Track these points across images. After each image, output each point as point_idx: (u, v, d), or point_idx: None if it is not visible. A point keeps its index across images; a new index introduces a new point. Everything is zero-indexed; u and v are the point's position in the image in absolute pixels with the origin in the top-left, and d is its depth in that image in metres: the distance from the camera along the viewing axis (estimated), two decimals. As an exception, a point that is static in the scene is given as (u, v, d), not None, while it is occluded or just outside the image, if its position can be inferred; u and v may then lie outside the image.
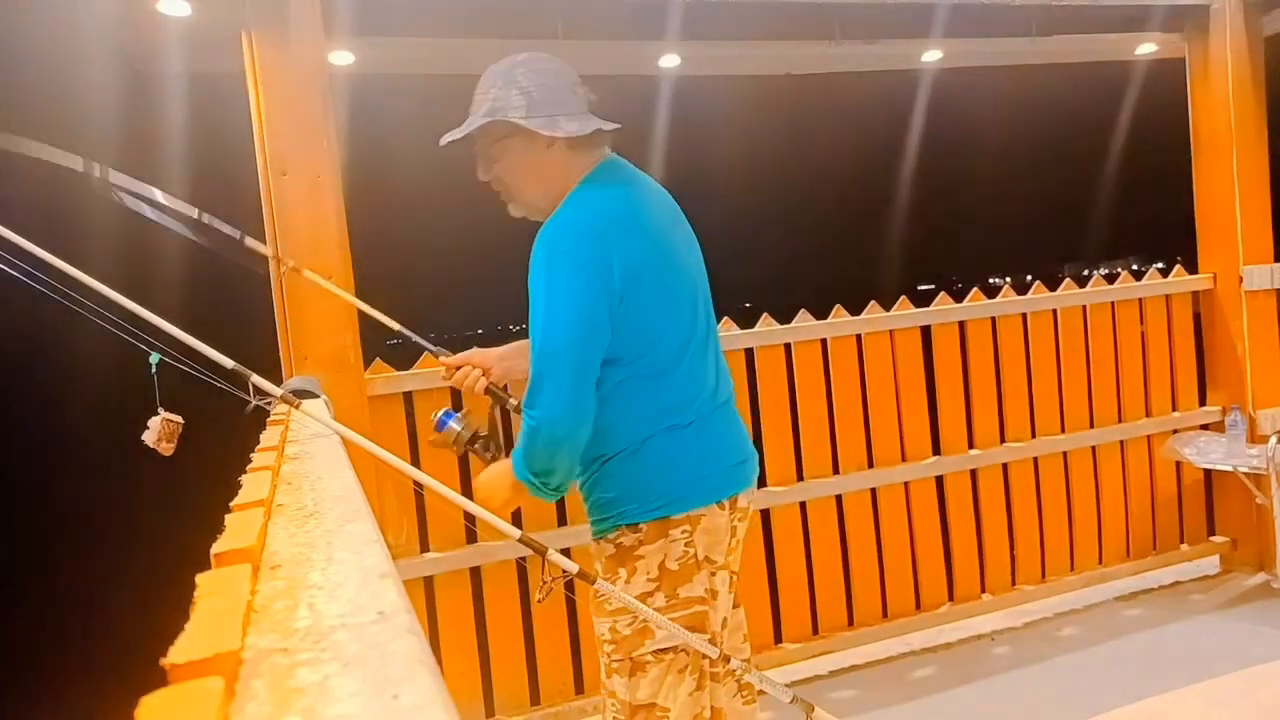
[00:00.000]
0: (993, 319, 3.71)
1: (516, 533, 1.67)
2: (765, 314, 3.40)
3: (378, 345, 2.95)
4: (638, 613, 1.71)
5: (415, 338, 2.52)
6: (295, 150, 2.65)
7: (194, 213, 2.15)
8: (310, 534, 0.83)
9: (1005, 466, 3.74)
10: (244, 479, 1.08)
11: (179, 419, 1.44)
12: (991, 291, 3.85)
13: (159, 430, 1.39)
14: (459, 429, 2.05)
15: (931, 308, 3.64)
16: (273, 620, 0.60)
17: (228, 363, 1.44)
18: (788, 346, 3.40)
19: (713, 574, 1.79)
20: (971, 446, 3.68)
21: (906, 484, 3.57)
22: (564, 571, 1.72)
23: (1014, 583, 3.75)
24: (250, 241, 2.72)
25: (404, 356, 2.94)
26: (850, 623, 3.49)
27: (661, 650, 1.75)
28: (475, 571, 3.00)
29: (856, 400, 3.49)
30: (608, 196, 1.75)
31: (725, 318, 3.35)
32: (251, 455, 1.27)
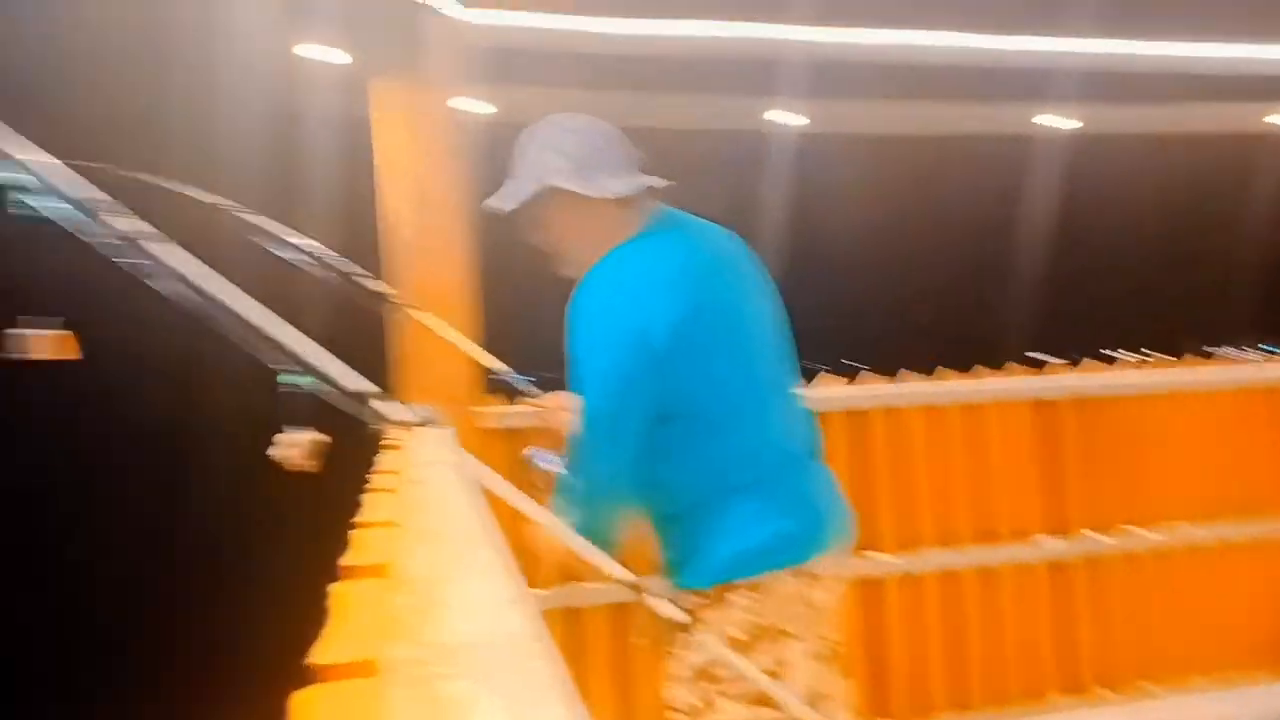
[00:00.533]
0: (1120, 395, 3.51)
1: (623, 575, 1.64)
2: (866, 371, 3.32)
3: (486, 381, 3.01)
4: (736, 669, 1.65)
5: (509, 375, 2.57)
6: (416, 194, 2.76)
7: (315, 247, 2.26)
8: (436, 555, 0.84)
9: (1128, 555, 3.50)
10: (365, 498, 1.10)
11: (323, 436, 1.49)
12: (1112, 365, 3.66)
13: (306, 446, 1.45)
14: (544, 467, 2.05)
15: (1049, 377, 3.48)
16: (410, 634, 0.60)
17: (356, 385, 1.48)
18: (892, 409, 3.30)
19: (785, 644, 1.69)
20: (1090, 530, 3.46)
21: (1018, 564, 3.38)
22: (667, 619, 1.68)
23: (1134, 680, 3.48)
24: (369, 281, 2.83)
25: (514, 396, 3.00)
26: (954, 706, 3.29)
27: None
28: (572, 612, 2.98)
29: (966, 470, 3.35)
30: (650, 253, 1.71)
31: (826, 372, 3.29)
32: (369, 476, 1.31)
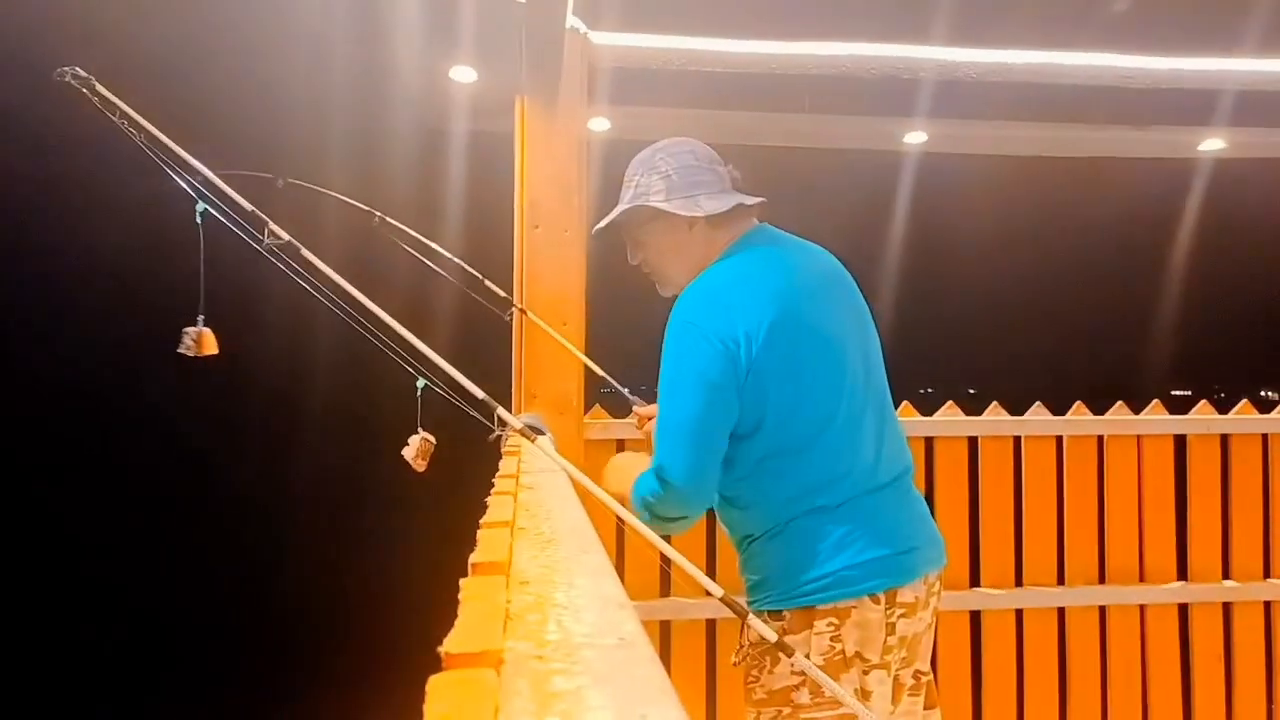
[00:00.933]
0: (1264, 435, 3.29)
1: (719, 591, 1.66)
2: (994, 403, 3.22)
3: (597, 391, 3.10)
4: (825, 686, 1.63)
5: (618, 386, 2.63)
6: (549, 205, 2.88)
7: (445, 253, 2.41)
8: (551, 557, 0.89)
9: (1268, 605, 3.26)
10: (489, 501, 1.17)
11: (433, 439, 1.59)
12: (1265, 406, 3.42)
13: (417, 448, 1.54)
14: (624, 464, 2.09)
15: (1189, 416, 3.29)
16: (527, 629, 0.65)
17: (479, 393, 1.57)
18: (1017, 439, 3.19)
19: (865, 673, 1.64)
20: (1227, 577, 3.25)
21: (1143, 607, 3.20)
22: (762, 639, 1.69)
23: (1269, 743, 3.23)
24: (490, 284, 2.96)
25: (622, 405, 3.07)
26: (1062, 753, 3.15)
27: None
28: (665, 625, 3.02)
29: (1092, 506, 3.20)
30: (742, 267, 1.73)
31: (950, 402, 3.21)
32: (493, 480, 1.38)
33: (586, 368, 2.87)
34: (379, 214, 2.39)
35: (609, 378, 2.65)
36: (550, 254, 2.88)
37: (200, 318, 1.51)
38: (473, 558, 0.83)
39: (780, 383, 1.64)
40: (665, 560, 1.68)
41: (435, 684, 0.50)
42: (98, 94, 1.58)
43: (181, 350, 1.51)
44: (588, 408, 3.01)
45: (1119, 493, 3.22)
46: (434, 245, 2.46)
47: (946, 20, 3.08)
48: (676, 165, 1.79)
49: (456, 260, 2.49)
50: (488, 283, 2.59)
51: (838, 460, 1.67)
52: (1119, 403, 3.28)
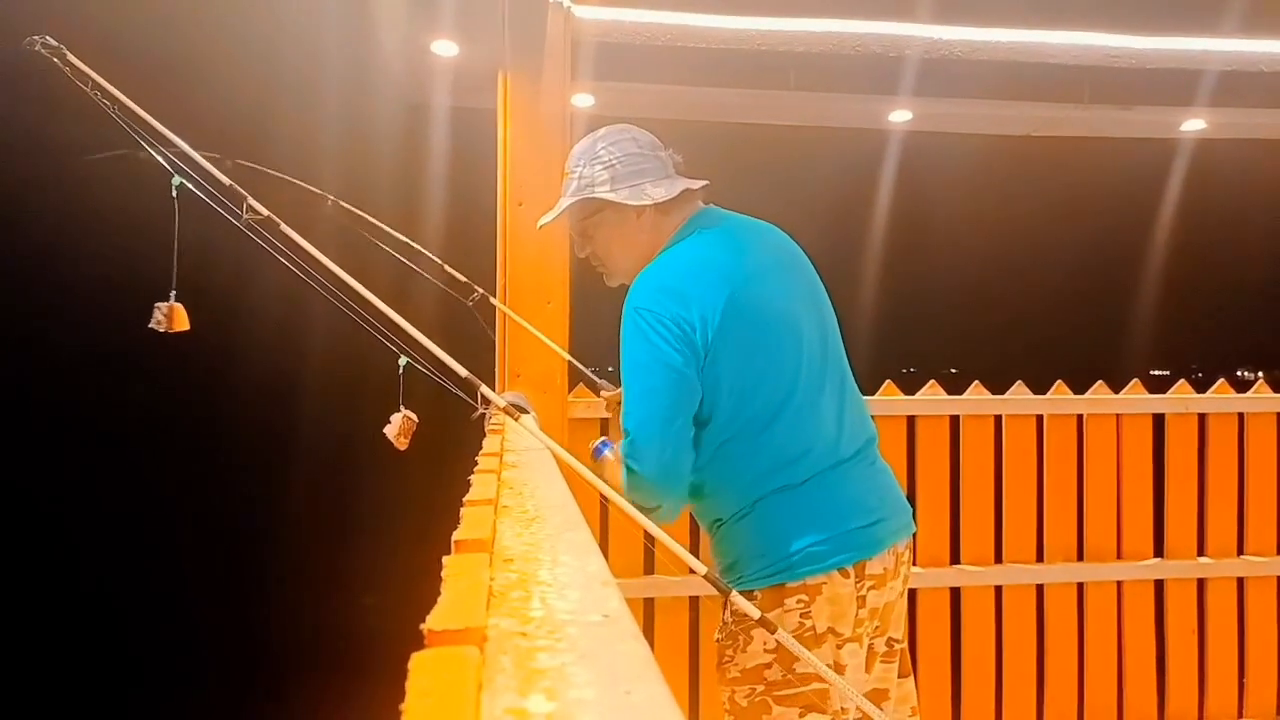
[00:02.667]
0: (1240, 415, 3.33)
1: (702, 569, 1.67)
2: (976, 382, 3.24)
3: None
4: (790, 671, 1.64)
5: (581, 368, 2.62)
6: (534, 183, 2.85)
7: (401, 238, 2.35)
8: (535, 535, 0.89)
9: (1241, 581, 3.32)
10: (473, 478, 1.17)
11: (415, 417, 1.57)
12: (1242, 386, 3.46)
13: (399, 426, 1.53)
14: (613, 459, 2.09)
15: (1167, 395, 3.32)
16: (510, 607, 0.65)
17: (462, 371, 1.56)
18: (998, 418, 3.22)
19: (838, 647, 1.66)
20: (1202, 554, 3.30)
21: (1120, 583, 3.25)
22: (743, 616, 1.70)
23: (1240, 714, 3.30)
24: (449, 269, 2.92)
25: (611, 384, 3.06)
26: (1039, 726, 3.21)
27: None
28: (649, 603, 3.04)
29: (1071, 485, 3.24)
30: (693, 251, 1.71)
31: (932, 381, 3.23)
32: (477, 459, 1.37)
33: (571, 347, 2.86)
34: (331, 198, 2.33)
35: (575, 361, 2.65)
36: (534, 231, 2.85)
37: (173, 293, 1.49)
38: (456, 535, 0.83)
39: (737, 365, 1.64)
40: (649, 538, 1.68)
41: (418, 661, 0.50)
42: (69, 64, 1.54)
43: (152, 325, 1.48)
44: (571, 386, 3.00)
45: (1098, 471, 3.25)
46: (389, 229, 2.41)
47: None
48: (619, 154, 1.76)
49: (415, 245, 2.45)
50: (447, 268, 2.54)
51: (799, 437, 1.67)
52: (1099, 382, 3.31)
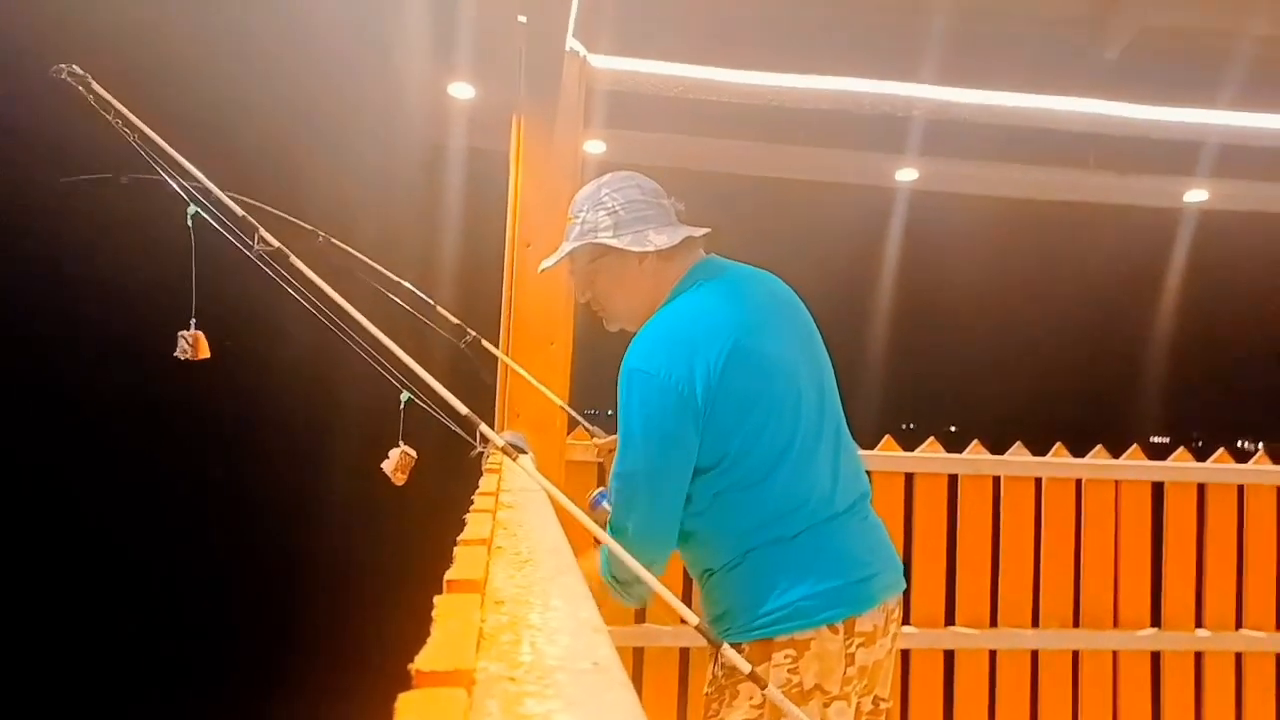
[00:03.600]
0: (1240, 486, 3.32)
1: (695, 619, 1.65)
2: (975, 441, 3.23)
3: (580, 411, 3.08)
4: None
5: (575, 415, 2.62)
6: (542, 225, 2.88)
7: (392, 277, 2.36)
8: (528, 578, 0.88)
9: (1239, 656, 3.27)
10: (468, 518, 1.16)
11: (414, 453, 1.57)
12: (1242, 457, 3.45)
13: (397, 461, 1.53)
14: (608, 509, 2.08)
15: (1167, 463, 3.31)
16: (499, 650, 0.64)
17: (462, 409, 1.56)
18: (996, 480, 3.20)
19: (825, 705, 1.62)
20: (1200, 626, 3.26)
21: (1116, 653, 3.21)
22: (732, 670, 1.67)
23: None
24: (441, 310, 2.92)
25: (605, 425, 3.06)
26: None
27: None
28: (638, 652, 3.00)
29: (1069, 549, 3.21)
30: (693, 305, 1.71)
31: (931, 439, 3.22)
32: (473, 497, 1.37)
33: (572, 387, 2.87)
34: (323, 234, 2.34)
35: (568, 408, 2.65)
36: (539, 272, 2.88)
37: (193, 321, 1.50)
38: (448, 575, 0.82)
39: (736, 418, 1.63)
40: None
41: (405, 701, 0.49)
42: (93, 92, 1.57)
43: (177, 354, 1.49)
44: (571, 428, 2.99)
45: (1096, 537, 3.23)
46: (380, 267, 2.41)
47: (940, 59, 3.13)
48: (623, 200, 1.77)
49: (407, 285, 2.45)
50: (439, 309, 2.55)
51: (794, 490, 1.66)
52: (1098, 446, 3.30)
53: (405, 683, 0.56)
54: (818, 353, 1.81)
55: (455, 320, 2.77)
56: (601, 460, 2.18)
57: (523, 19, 2.66)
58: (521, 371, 2.62)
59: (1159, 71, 3.27)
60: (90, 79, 1.52)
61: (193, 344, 1.55)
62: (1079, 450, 3.30)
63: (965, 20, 3.07)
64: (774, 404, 1.67)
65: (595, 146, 3.27)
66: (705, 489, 1.67)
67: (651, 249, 1.74)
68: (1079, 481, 3.24)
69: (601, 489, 2.16)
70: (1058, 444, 3.28)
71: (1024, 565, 3.19)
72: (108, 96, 1.51)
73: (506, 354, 2.89)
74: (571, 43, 2.86)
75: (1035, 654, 3.16)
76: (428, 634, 0.65)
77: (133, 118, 1.51)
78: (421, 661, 0.57)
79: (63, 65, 1.53)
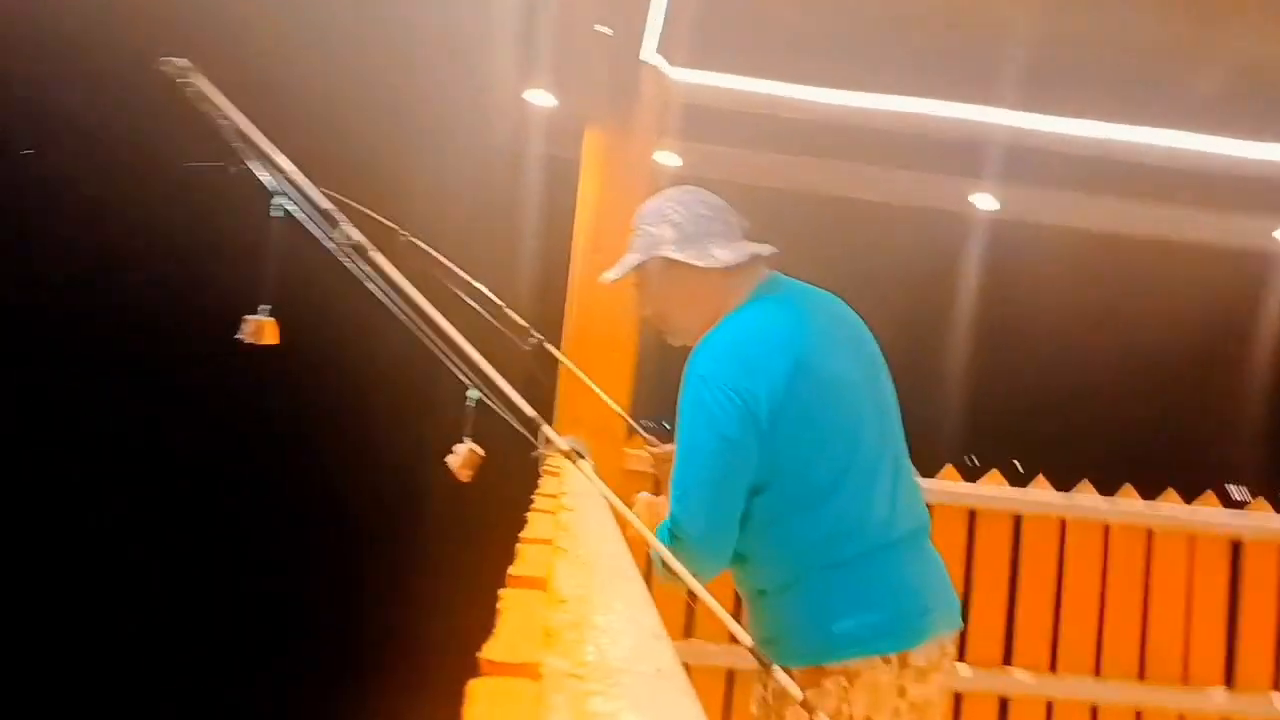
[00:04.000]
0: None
1: (748, 640, 1.63)
2: (1040, 477, 3.13)
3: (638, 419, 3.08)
4: None
5: (632, 423, 2.61)
6: (611, 233, 2.88)
7: (465, 277, 2.37)
8: (590, 580, 0.88)
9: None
10: (529, 517, 1.17)
11: (481, 451, 1.59)
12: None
13: (463, 457, 1.55)
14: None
15: (1245, 514, 3.16)
16: (565, 647, 0.64)
17: (528, 410, 1.57)
18: (1062, 520, 3.10)
19: None
20: (1277, 688, 3.09)
21: (1183, 716, 3.06)
22: (780, 693, 1.64)
23: None
24: (509, 312, 2.94)
25: (664, 437, 3.04)
26: None
27: None
28: (684, 669, 2.96)
29: (1136, 597, 3.08)
30: (758, 320, 1.70)
31: (994, 471, 3.13)
32: (533, 497, 1.38)
33: (633, 395, 2.87)
34: (405, 233, 2.37)
35: (624, 414, 2.64)
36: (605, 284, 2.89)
37: (263, 307, 1.54)
38: (512, 570, 0.82)
39: (796, 437, 1.61)
40: (692, 598, 1.65)
41: (476, 687, 0.49)
42: (194, 86, 1.63)
43: (240, 337, 1.53)
44: (629, 436, 2.99)
45: (1165, 586, 3.09)
46: (454, 267, 2.42)
47: (1020, 84, 3.05)
48: (688, 214, 1.76)
49: (477, 285, 2.47)
50: (506, 309, 2.56)
51: (851, 515, 1.64)
52: (1169, 490, 3.17)
53: (462, 670, 0.56)
54: (880, 377, 1.78)
55: (522, 323, 2.80)
56: (656, 470, 2.17)
57: (605, 30, 2.68)
58: (583, 376, 2.64)
59: (1256, 106, 3.15)
60: (193, 71, 1.59)
61: (257, 329, 1.58)
62: (1150, 490, 3.17)
63: (1048, 46, 2.99)
64: (834, 425, 1.65)
65: (669, 158, 3.28)
66: (761, 508, 1.64)
67: (715, 265, 1.73)
68: (1150, 530, 3.11)
69: (648, 492, 2.16)
70: (1126, 485, 3.16)
71: (1087, 611, 3.07)
72: (210, 90, 1.57)
73: (569, 359, 2.91)
74: (651, 55, 2.88)
75: (1095, 709, 3.03)
76: (485, 625, 0.65)
77: (233, 112, 1.57)
78: (490, 651, 0.57)
79: (168, 58, 1.59)
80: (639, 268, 1.82)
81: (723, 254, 1.73)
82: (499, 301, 2.56)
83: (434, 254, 2.40)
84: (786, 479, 1.62)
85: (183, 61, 1.59)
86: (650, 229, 1.79)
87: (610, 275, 1.86)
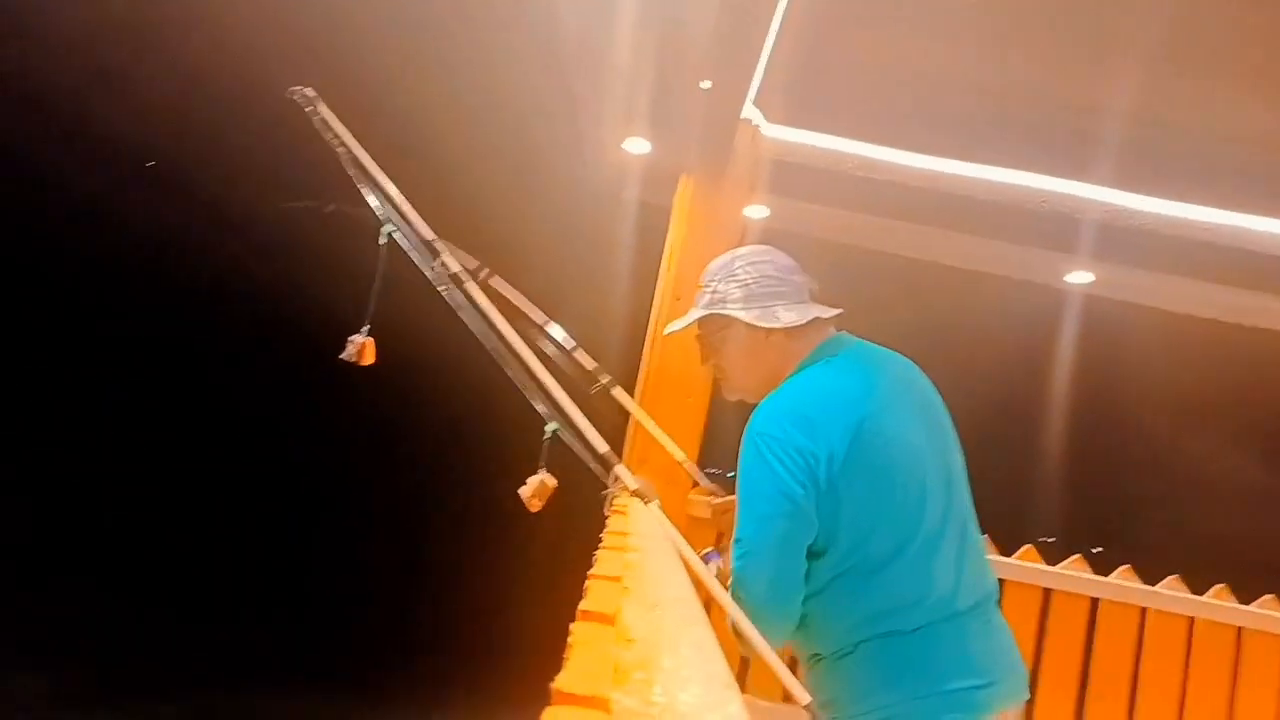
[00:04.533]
0: None
1: (806, 698, 1.60)
2: (1125, 567, 2.99)
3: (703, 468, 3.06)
4: None
5: (695, 471, 2.60)
6: (692, 280, 2.90)
7: (539, 318, 2.40)
8: (658, 621, 0.89)
9: None
10: (599, 554, 1.18)
11: (554, 482, 1.62)
12: None
13: (534, 488, 1.58)
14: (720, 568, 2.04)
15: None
16: (633, 685, 0.65)
17: (602, 446, 1.60)
18: (1143, 611, 2.95)
19: None
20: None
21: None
22: None
23: None
24: (578, 356, 2.96)
25: (727, 487, 3.03)
26: None
27: None
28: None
29: (1221, 703, 2.90)
30: (823, 380, 1.69)
31: (1078, 556, 3.01)
32: (602, 535, 1.39)
33: (703, 443, 2.87)
34: (486, 269, 2.42)
35: (688, 462, 2.63)
36: (666, 335, 2.91)
37: (366, 327, 1.61)
38: (582, 605, 0.84)
39: (858, 501, 1.59)
40: (749, 654, 1.63)
41: (551, 716, 0.51)
42: (318, 114, 1.74)
43: (344, 357, 1.60)
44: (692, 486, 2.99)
45: (1253, 692, 2.91)
46: (532, 307, 2.45)
47: (1116, 163, 2.99)
48: (756, 275, 1.78)
49: (549, 326, 2.49)
50: (576, 355, 2.57)
51: (914, 583, 1.60)
52: (1267, 597, 2.99)
53: (529, 696, 0.57)
54: (947, 443, 1.75)
55: (591, 365, 2.82)
56: (717, 522, 2.17)
57: (706, 84, 2.75)
58: (646, 423, 2.65)
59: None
60: (319, 102, 1.69)
61: (360, 349, 1.66)
62: (1244, 594, 3.00)
63: (1142, 128, 2.93)
64: (897, 490, 1.62)
65: (758, 211, 3.31)
66: (821, 572, 1.62)
67: (778, 326, 1.74)
68: (1239, 630, 2.94)
69: (712, 548, 2.15)
70: (1217, 587, 3.00)
71: (1166, 709, 2.91)
72: (332, 120, 1.67)
73: (640, 402, 2.93)
74: (749, 110, 2.93)
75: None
76: (553, 654, 0.66)
77: (351, 143, 1.66)
78: (562, 682, 0.58)
79: (297, 88, 1.70)
80: (702, 322, 1.84)
81: (786, 315, 1.75)
82: (572, 343, 2.60)
83: (508, 287, 2.46)
84: (847, 544, 1.60)
85: (309, 91, 1.70)
86: (717, 285, 1.82)
87: (673, 327, 1.90)
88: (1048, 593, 2.93)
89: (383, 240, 1.56)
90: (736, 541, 1.65)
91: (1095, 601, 2.95)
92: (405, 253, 1.59)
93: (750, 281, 1.78)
